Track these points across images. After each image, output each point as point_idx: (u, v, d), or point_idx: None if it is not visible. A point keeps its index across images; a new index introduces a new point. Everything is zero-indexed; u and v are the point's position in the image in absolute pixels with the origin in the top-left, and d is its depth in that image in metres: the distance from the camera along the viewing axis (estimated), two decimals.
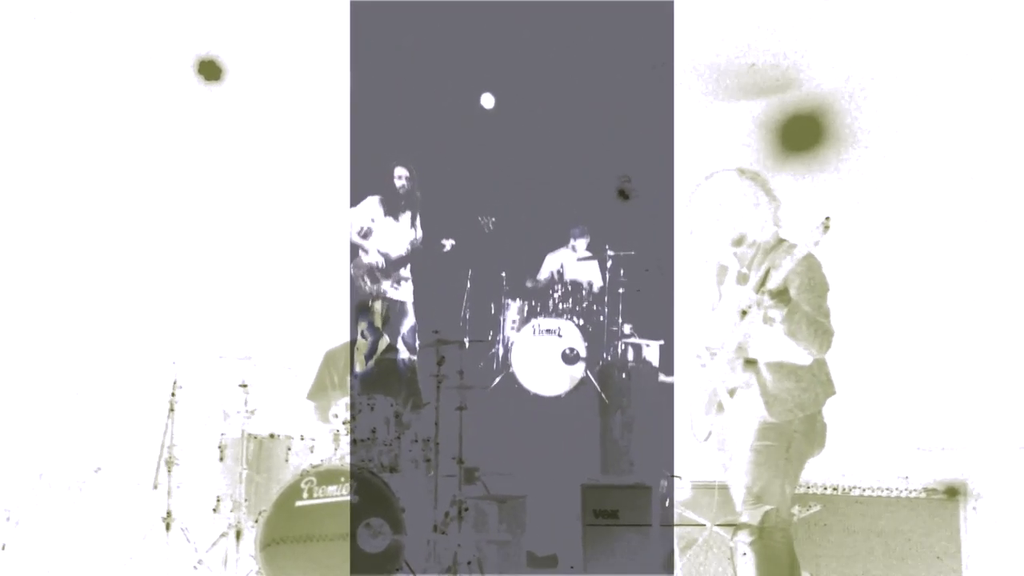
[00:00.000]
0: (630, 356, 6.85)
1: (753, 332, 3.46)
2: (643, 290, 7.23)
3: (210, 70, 6.38)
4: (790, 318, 3.31)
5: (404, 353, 6.71)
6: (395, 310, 7.26)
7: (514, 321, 6.94)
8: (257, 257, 6.85)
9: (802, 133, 5.71)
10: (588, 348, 6.17)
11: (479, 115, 7.72)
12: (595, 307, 6.92)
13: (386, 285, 7.37)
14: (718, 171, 3.65)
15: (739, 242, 3.57)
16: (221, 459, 5.35)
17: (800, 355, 3.45)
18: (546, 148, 7.80)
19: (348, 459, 4.93)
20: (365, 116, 7.07)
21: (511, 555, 5.44)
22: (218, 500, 5.30)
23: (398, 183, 7.46)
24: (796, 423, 3.47)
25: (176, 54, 6.20)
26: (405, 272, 7.51)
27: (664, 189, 5.98)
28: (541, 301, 6.91)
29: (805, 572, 3.97)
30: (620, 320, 6.51)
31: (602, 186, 7.79)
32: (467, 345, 5.78)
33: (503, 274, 7.56)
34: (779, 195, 3.58)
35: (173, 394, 5.36)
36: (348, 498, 4.62)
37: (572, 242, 8.02)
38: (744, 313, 3.45)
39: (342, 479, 4.64)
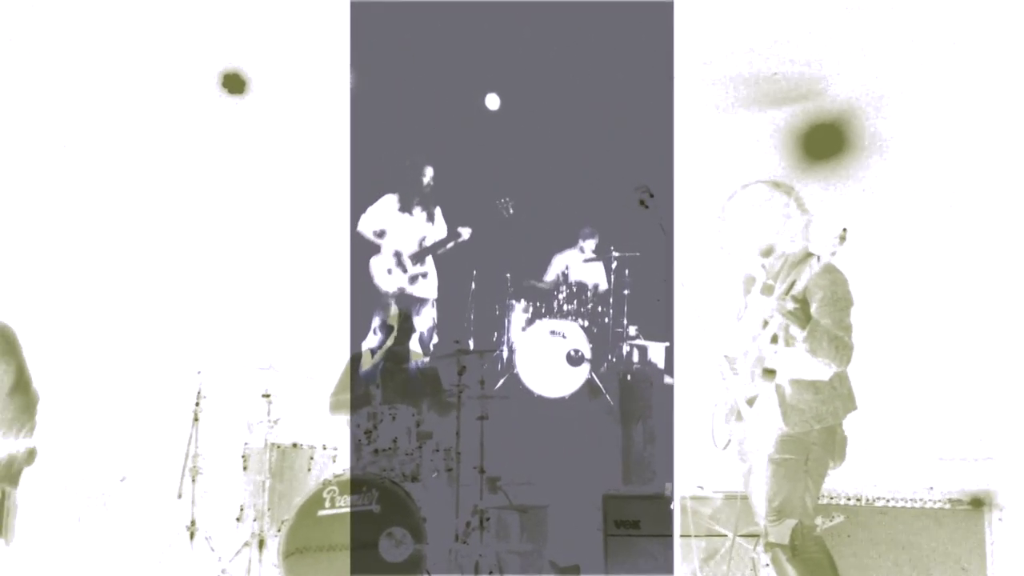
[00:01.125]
0: (635, 358, 6.82)
1: (772, 344, 3.46)
2: (661, 299, 7.21)
3: (234, 83, 6.46)
4: (811, 335, 3.33)
5: (417, 349, 6.69)
6: (412, 307, 7.24)
7: (527, 322, 6.88)
8: (280, 267, 6.90)
9: (824, 142, 5.70)
10: (593, 350, 6.15)
11: (484, 116, 7.73)
12: (600, 308, 6.90)
13: (403, 282, 7.37)
14: (751, 182, 3.68)
15: (767, 253, 3.59)
16: (244, 468, 5.40)
17: (820, 370, 3.45)
18: (551, 149, 7.82)
19: (370, 468, 4.96)
20: (365, 117, 7.09)
21: (532, 565, 5.43)
22: (241, 509, 5.34)
23: (425, 180, 7.48)
24: (814, 435, 3.47)
25: (200, 67, 6.28)
26: (422, 268, 7.51)
27: (665, 189, 5.97)
28: (546, 302, 6.89)
29: None
30: (625, 322, 6.48)
31: (608, 187, 7.79)
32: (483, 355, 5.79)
33: (508, 275, 7.56)
34: (810, 208, 3.61)
35: (197, 404, 5.41)
36: (370, 507, 4.64)
37: (580, 243, 8.03)
38: (766, 323, 3.47)
39: (364, 488, 4.66)
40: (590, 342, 6.10)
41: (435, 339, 7.46)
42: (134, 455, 5.79)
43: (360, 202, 7.43)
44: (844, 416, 3.55)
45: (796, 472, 3.46)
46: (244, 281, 6.65)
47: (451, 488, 5.12)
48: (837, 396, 3.51)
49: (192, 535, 5.22)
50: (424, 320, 7.49)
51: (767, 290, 3.53)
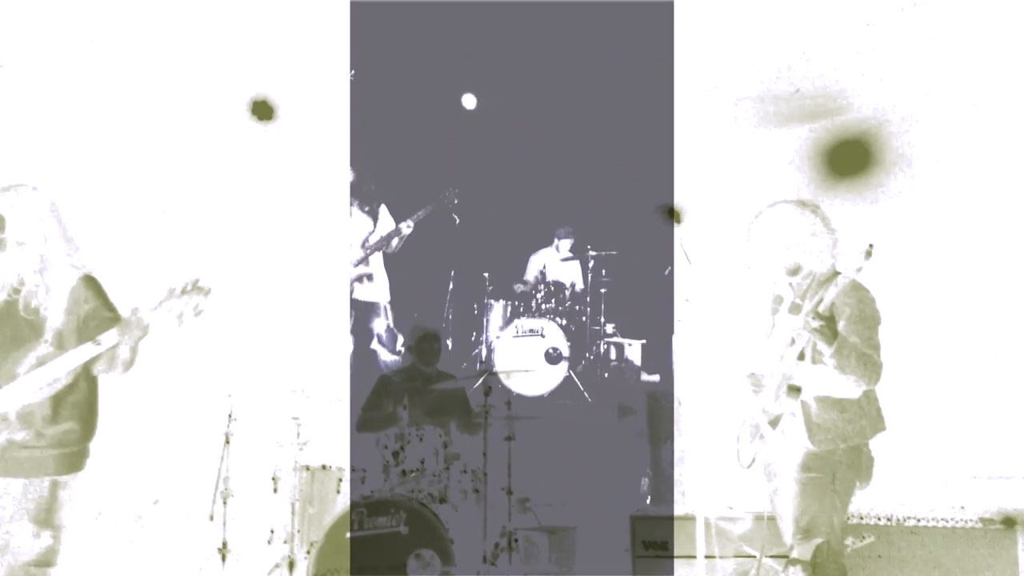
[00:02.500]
0: (612, 355, 6.80)
1: (799, 361, 3.46)
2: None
3: (263, 110, 6.57)
4: (839, 352, 3.30)
5: (384, 355, 6.65)
6: (362, 313, 7.14)
7: (517, 328, 6.83)
8: (310, 291, 6.96)
9: (847, 159, 5.68)
10: (571, 348, 6.13)
11: (474, 115, 7.77)
12: (577, 307, 6.89)
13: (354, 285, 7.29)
14: (777, 201, 3.70)
15: (794, 271, 3.59)
16: (275, 491, 5.45)
17: (848, 388, 3.43)
18: (532, 149, 7.87)
19: (398, 490, 4.98)
20: (366, 117, 7.15)
21: None
22: (271, 532, 5.39)
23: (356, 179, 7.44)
24: (840, 454, 3.45)
25: (230, 95, 6.39)
26: (366, 269, 7.41)
27: (664, 191, 5.95)
28: (524, 301, 6.88)
29: None
30: (602, 320, 6.48)
31: (583, 186, 7.88)
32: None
33: (486, 275, 7.55)
34: (837, 227, 3.61)
35: (228, 426, 5.48)
36: (398, 529, 4.67)
37: (556, 242, 8.04)
38: (793, 341, 3.46)
39: (392, 510, 4.69)
40: (568, 340, 6.08)
41: (400, 342, 7.33)
42: (167, 478, 5.86)
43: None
44: (871, 436, 3.53)
45: (823, 491, 3.44)
46: (275, 305, 6.72)
47: (479, 509, 5.13)
48: (864, 416, 3.49)
49: (224, 557, 5.27)
50: (379, 324, 7.38)
51: (795, 309, 3.52)
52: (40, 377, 3.33)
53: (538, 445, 6.30)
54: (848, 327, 3.39)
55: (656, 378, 7.80)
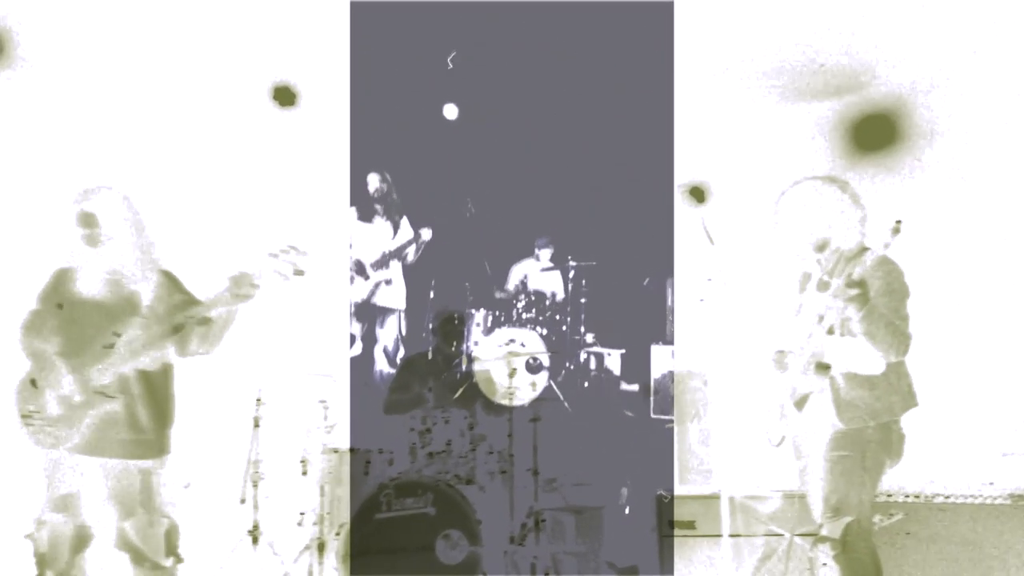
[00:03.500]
0: (592, 365, 6.80)
1: (828, 335, 3.43)
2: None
3: (285, 96, 6.57)
4: (868, 317, 3.28)
5: (381, 364, 6.66)
6: (377, 318, 7.19)
7: (486, 331, 6.84)
8: (334, 277, 6.99)
9: (872, 134, 5.62)
10: (551, 358, 6.14)
11: (446, 124, 7.75)
12: (558, 317, 6.88)
13: (365, 291, 7.34)
14: (805, 177, 3.67)
15: (822, 247, 3.57)
16: (304, 473, 5.50)
17: (874, 363, 3.41)
18: (514, 158, 7.88)
19: (425, 472, 5.02)
20: (365, 117, 7.16)
21: (588, 566, 5.44)
22: (301, 514, 5.45)
23: (371, 189, 7.52)
24: (870, 432, 3.44)
25: (251, 80, 6.40)
26: (386, 274, 7.47)
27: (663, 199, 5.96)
28: (505, 311, 6.88)
29: None
30: (582, 329, 6.45)
31: (563, 196, 7.93)
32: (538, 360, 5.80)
33: (467, 284, 7.55)
34: (865, 204, 3.59)
35: (257, 410, 5.53)
36: (426, 510, 4.70)
37: (537, 252, 8.06)
38: (821, 318, 3.44)
39: (419, 491, 4.73)
40: (548, 350, 6.09)
41: (400, 351, 7.40)
42: (197, 462, 5.93)
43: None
44: (902, 413, 3.50)
45: (853, 469, 3.43)
46: (301, 290, 6.74)
47: (505, 490, 5.16)
48: (894, 392, 3.46)
49: (255, 539, 5.33)
50: (388, 332, 7.45)
51: (822, 286, 3.50)
52: (149, 355, 3.67)
53: (564, 426, 6.32)
54: (877, 299, 3.36)
55: (635, 388, 7.86)
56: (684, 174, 6.05)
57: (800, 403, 3.55)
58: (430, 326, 6.62)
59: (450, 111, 7.71)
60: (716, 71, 5.77)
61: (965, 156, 5.41)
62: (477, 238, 7.87)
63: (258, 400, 5.53)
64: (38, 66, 5.62)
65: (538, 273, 7.95)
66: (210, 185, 6.41)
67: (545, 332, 6.38)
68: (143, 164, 5.93)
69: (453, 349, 6.10)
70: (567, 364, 5.62)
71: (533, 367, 5.59)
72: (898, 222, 3.09)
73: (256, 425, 5.49)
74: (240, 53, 6.14)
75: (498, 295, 7.86)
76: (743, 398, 4.55)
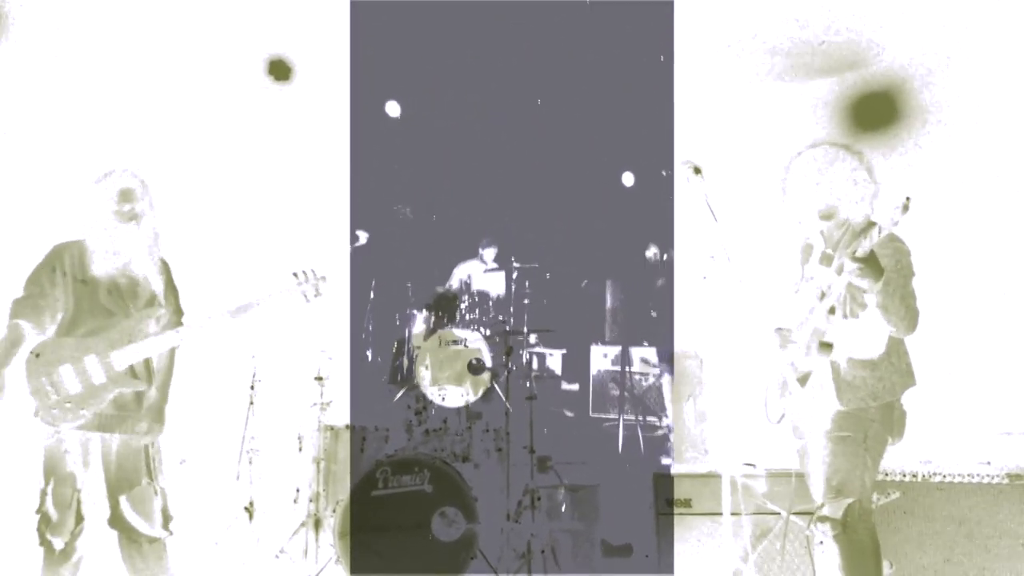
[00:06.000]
0: (535, 365, 6.81)
1: (831, 315, 3.39)
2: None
3: (280, 70, 6.51)
4: (885, 289, 3.19)
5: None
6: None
7: (428, 332, 6.80)
8: (331, 253, 6.94)
9: (874, 111, 5.58)
10: (494, 358, 6.14)
11: (389, 123, 7.70)
12: (500, 317, 6.87)
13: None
14: (822, 142, 3.57)
15: (828, 216, 3.48)
16: (300, 450, 5.50)
17: (875, 346, 3.37)
18: (460, 157, 7.98)
19: (421, 449, 5.01)
20: (365, 116, 7.12)
21: (584, 544, 5.45)
22: (297, 491, 5.45)
23: None
24: (872, 411, 3.40)
25: (247, 54, 6.33)
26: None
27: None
28: (448, 312, 6.84)
29: (885, 560, 3.91)
30: (525, 330, 6.43)
31: (508, 199, 8.10)
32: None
33: (408, 285, 7.53)
34: (880, 180, 3.49)
35: (252, 388, 5.52)
36: (422, 488, 4.70)
37: (480, 252, 8.06)
38: (823, 295, 3.39)
39: (416, 469, 4.72)
40: (491, 351, 6.08)
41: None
42: (193, 438, 5.92)
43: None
44: (902, 392, 3.46)
45: (855, 450, 3.40)
46: (296, 266, 6.70)
47: (502, 468, 5.16)
48: (895, 371, 3.42)
49: (251, 515, 5.33)
50: None
51: (826, 260, 3.43)
52: (168, 340, 3.75)
53: (558, 405, 6.32)
54: (886, 276, 3.25)
55: (576, 387, 7.89)
56: (685, 150, 6.04)
57: (803, 380, 3.51)
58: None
59: (392, 108, 7.64)
60: (718, 48, 5.72)
61: (965, 136, 5.38)
62: (420, 239, 7.92)
63: (254, 377, 5.51)
64: (32, 41, 5.55)
65: (481, 274, 7.96)
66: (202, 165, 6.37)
67: (488, 333, 6.36)
68: (136, 141, 5.88)
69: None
70: (510, 365, 5.58)
71: (476, 368, 5.57)
72: (907, 199, 2.98)
73: (251, 402, 5.48)
74: (235, 27, 6.07)
75: (438, 289, 7.85)
76: (741, 376, 4.53)
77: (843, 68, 5.71)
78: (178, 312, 3.98)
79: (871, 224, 3.44)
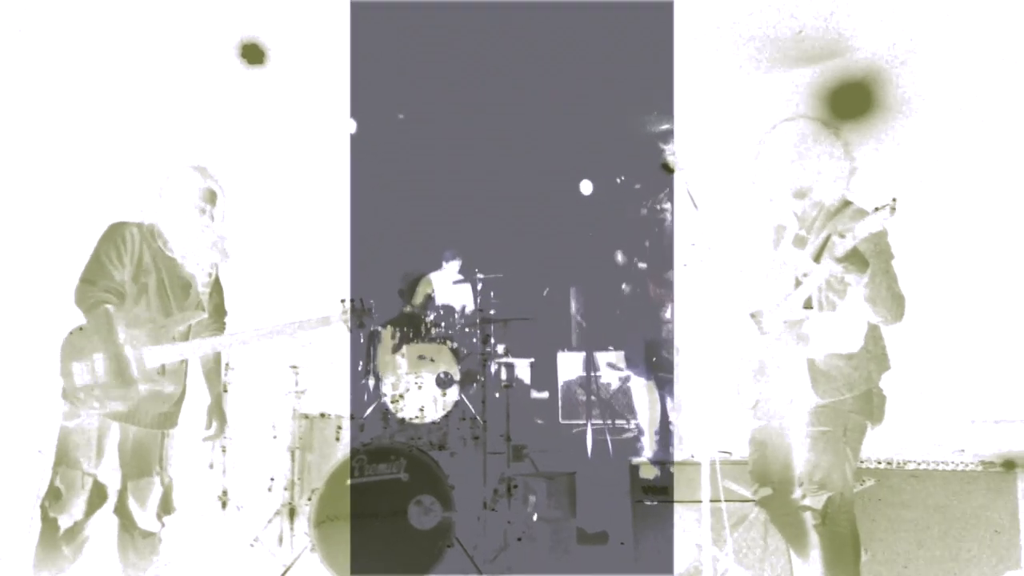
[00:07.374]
0: (503, 375, 6.86)
1: (807, 310, 3.35)
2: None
3: (253, 53, 6.41)
4: (872, 281, 3.10)
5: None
6: None
7: (395, 347, 6.78)
8: (307, 239, 6.89)
9: (852, 101, 5.60)
10: (462, 371, 6.14)
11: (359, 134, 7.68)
12: (467, 330, 6.88)
13: None
14: (798, 115, 3.46)
15: (801, 195, 3.37)
16: (274, 438, 5.45)
17: (852, 340, 3.33)
18: (421, 168, 8.00)
19: (397, 437, 4.99)
20: (365, 115, 7.05)
21: (561, 531, 5.46)
22: (271, 479, 5.40)
23: None
24: (848, 403, 3.36)
25: (219, 37, 6.23)
26: None
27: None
28: (413, 326, 6.83)
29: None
30: (492, 341, 6.42)
31: (472, 208, 8.12)
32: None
33: (372, 301, 7.49)
34: (856, 158, 3.39)
35: (225, 375, 5.44)
36: (398, 476, 4.68)
37: (444, 265, 8.07)
38: (798, 282, 3.33)
39: (392, 457, 4.70)
40: (459, 363, 6.08)
41: None
42: None
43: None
44: (878, 379, 3.41)
45: (835, 444, 3.35)
46: (269, 253, 6.64)
47: (478, 456, 5.15)
48: (872, 359, 3.37)
49: (224, 504, 5.28)
50: None
51: (799, 242, 3.34)
52: (204, 346, 3.82)
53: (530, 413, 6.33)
54: (871, 263, 3.15)
55: (545, 395, 7.91)
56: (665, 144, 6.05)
57: (776, 366, 3.45)
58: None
59: (350, 124, 7.60)
60: (696, 36, 5.71)
61: (944, 123, 5.41)
62: (383, 253, 7.91)
63: (227, 364, 5.44)
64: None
65: (447, 287, 7.95)
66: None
67: (455, 346, 6.33)
68: (136, 141, 5.81)
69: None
70: (478, 376, 5.54)
71: (444, 381, 5.57)
72: (894, 200, 2.87)
73: (224, 390, 5.41)
74: (207, 9, 5.96)
75: (406, 309, 7.86)
76: (717, 363, 4.53)
77: (822, 57, 5.72)
78: (220, 318, 4.04)
79: (846, 203, 3.37)
